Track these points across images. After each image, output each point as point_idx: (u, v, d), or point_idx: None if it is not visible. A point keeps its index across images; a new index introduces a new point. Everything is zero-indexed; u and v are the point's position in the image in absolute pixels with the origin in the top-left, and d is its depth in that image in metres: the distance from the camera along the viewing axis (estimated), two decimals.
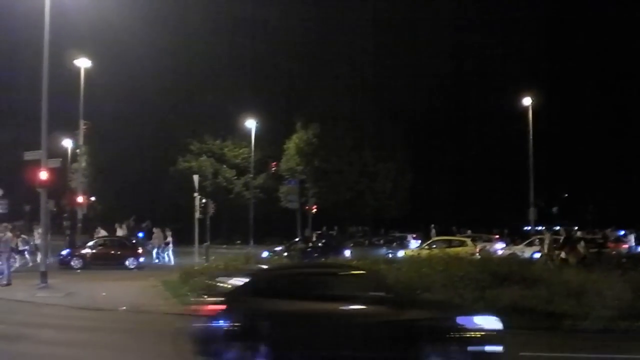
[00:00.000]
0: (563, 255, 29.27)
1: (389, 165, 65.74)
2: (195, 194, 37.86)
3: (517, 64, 74.30)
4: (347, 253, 38.33)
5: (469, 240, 40.58)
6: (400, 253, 37.33)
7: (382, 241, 47.32)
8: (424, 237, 49.21)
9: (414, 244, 45.21)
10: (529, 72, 69.45)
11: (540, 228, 52.68)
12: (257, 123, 63.28)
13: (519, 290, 19.10)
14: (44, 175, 26.61)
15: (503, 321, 12.74)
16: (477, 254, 33.85)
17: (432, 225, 54.78)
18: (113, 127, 60.71)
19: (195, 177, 39.29)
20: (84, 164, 41.46)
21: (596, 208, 68.57)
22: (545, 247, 32.14)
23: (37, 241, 42.39)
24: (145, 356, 14.70)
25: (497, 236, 50.02)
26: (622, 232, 50.02)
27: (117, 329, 18.10)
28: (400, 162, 66.79)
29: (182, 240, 43.11)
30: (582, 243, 31.62)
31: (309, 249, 39.64)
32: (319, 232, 52.05)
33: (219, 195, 61.94)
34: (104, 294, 25.05)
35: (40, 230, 42.77)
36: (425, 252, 30.92)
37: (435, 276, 20.76)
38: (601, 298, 17.88)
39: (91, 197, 44.57)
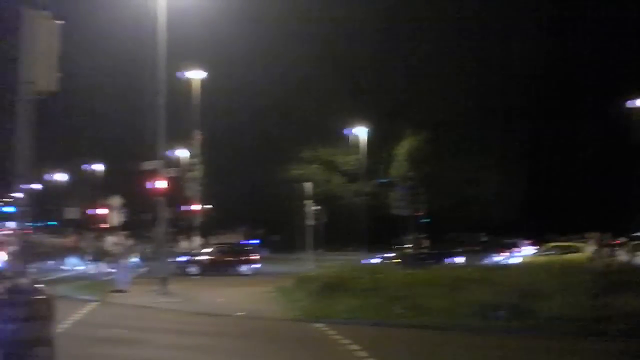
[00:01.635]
0: None
1: (498, 170, 64.50)
2: (308, 201, 38.12)
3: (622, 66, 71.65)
4: (458, 260, 37.86)
5: (586, 246, 39.39)
6: (514, 260, 36.65)
7: (493, 247, 46.48)
8: (537, 243, 48.06)
9: (527, 250, 44.26)
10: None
11: None
12: (367, 129, 63.28)
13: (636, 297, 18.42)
14: (161, 184, 27.31)
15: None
16: (594, 260, 32.85)
17: (546, 231, 53.42)
18: (225, 136, 61.84)
19: (307, 185, 39.57)
20: (198, 173, 42.33)
21: None
22: None
23: (150, 249, 43.85)
24: None
25: (617, 242, 48.28)
26: None
27: (234, 334, 18.34)
28: (510, 166, 65.44)
29: (293, 247, 43.48)
30: None
31: (421, 255, 39.34)
32: (421, 237, 51.61)
33: (330, 202, 62.11)
34: (221, 299, 25.49)
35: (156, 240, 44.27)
36: (541, 259, 30.30)
37: (552, 282, 20.34)
38: None
39: (206, 205, 45.48)
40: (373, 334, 17.76)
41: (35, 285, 8.64)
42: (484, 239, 61.24)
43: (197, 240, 44.98)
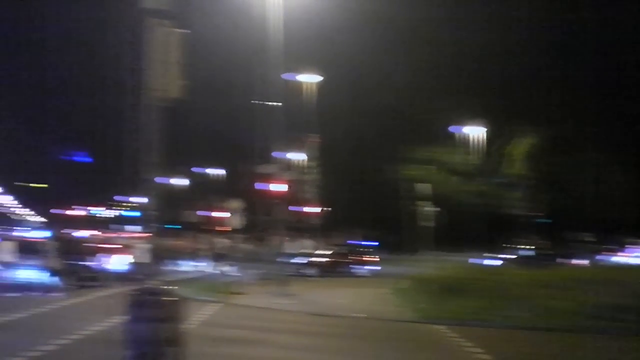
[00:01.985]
0: None
1: (618, 167, 62.47)
2: (423, 202, 37.90)
3: None
4: (578, 260, 36.88)
5: None
6: (635, 259, 35.45)
7: (610, 247, 45.05)
8: None
9: None
10: None
11: None
12: (482, 128, 62.39)
13: None
14: (279, 187, 27.70)
15: None
16: None
17: None
18: (342, 138, 62.20)
19: (421, 186, 39.33)
20: (315, 176, 42.75)
21: None
22: None
23: (268, 251, 44.53)
24: None
25: None
26: None
27: (353, 335, 18.40)
28: (631, 164, 63.27)
29: (410, 248, 43.30)
30: None
31: (540, 256, 38.52)
32: (539, 237, 50.39)
33: (445, 202, 61.55)
34: (339, 301, 25.63)
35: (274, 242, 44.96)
36: None
37: None
38: None
39: (323, 207, 45.89)
40: (495, 336, 17.51)
41: (166, 287, 8.92)
42: (597, 239, 59.56)
43: (309, 242, 45.42)
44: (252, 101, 30.15)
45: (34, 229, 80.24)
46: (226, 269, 39.42)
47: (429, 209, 38.47)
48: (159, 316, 8.28)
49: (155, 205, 9.12)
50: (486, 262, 36.13)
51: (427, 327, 19.24)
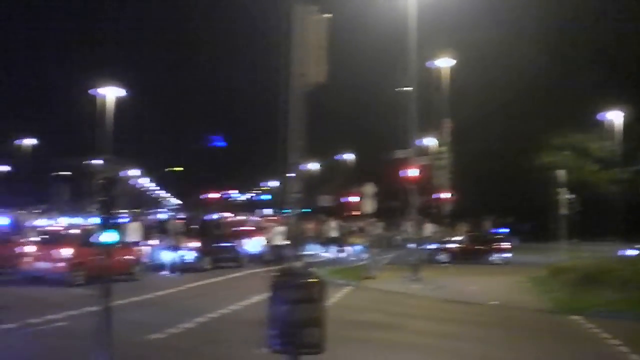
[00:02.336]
0: None
1: None
2: (561, 190, 36.92)
3: None
4: None
5: None
6: None
7: None
8: None
9: None
10: None
11: None
12: (623, 114, 60.19)
13: None
14: (413, 172, 27.62)
15: None
16: None
17: None
18: (474, 124, 61.40)
19: (560, 172, 38.31)
20: (447, 162, 42.34)
21: None
22: None
23: (400, 235, 44.54)
24: (518, 352, 14.50)
25: None
26: None
27: (488, 323, 18.22)
28: None
29: (542, 237, 42.37)
30: None
31: None
32: None
33: (583, 190, 59.80)
34: (472, 287, 25.39)
35: (405, 228, 44.87)
36: None
37: None
38: None
39: (454, 193, 45.40)
40: (633, 328, 16.93)
41: (308, 269, 9.07)
42: None
43: (441, 228, 45.11)
44: (396, 89, 29.97)
45: (170, 211, 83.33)
46: (347, 252, 39.87)
47: (565, 196, 37.38)
48: (302, 297, 8.43)
49: (298, 189, 9.27)
50: (623, 252, 34.79)
51: (563, 317, 18.85)
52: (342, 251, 41.48)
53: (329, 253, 42.58)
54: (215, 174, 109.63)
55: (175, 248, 29.80)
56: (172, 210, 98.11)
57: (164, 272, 28.39)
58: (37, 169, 73.71)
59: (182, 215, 49.24)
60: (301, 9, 9.23)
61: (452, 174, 44.96)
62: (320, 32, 9.40)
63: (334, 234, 45.91)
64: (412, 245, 29.65)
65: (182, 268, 29.31)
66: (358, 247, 39.48)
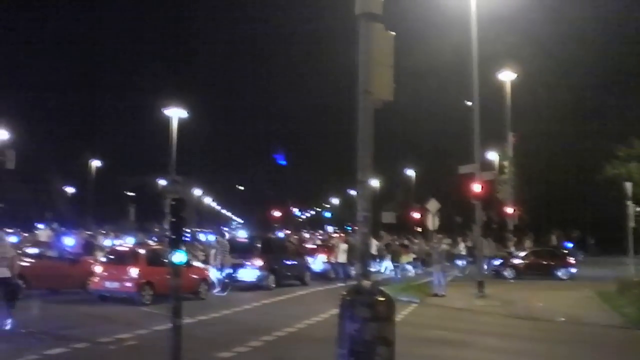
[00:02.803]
0: None
1: None
2: (628, 202, 36.15)
3: None
4: None
5: None
6: None
7: None
8: None
9: None
10: None
11: None
12: None
13: None
14: (478, 187, 27.35)
15: None
16: None
17: None
18: (537, 136, 60.68)
19: (628, 185, 37.52)
20: (511, 175, 41.92)
21: None
22: None
23: (462, 252, 43.99)
24: None
25: None
26: None
27: (558, 340, 17.89)
28: None
29: (611, 251, 41.57)
30: None
31: None
32: None
33: None
34: (540, 304, 25.00)
35: (466, 243, 44.44)
36: None
37: None
38: None
39: (519, 207, 44.87)
40: None
41: (377, 287, 9.04)
42: None
43: (506, 243, 44.49)
44: (465, 102, 29.70)
45: (235, 229, 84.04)
46: (406, 269, 39.35)
47: (635, 209, 36.57)
48: (371, 316, 8.40)
49: (366, 207, 9.27)
50: None
51: (636, 332, 18.46)
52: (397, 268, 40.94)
53: (388, 269, 41.95)
54: (277, 191, 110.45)
55: (222, 267, 29.77)
56: (237, 227, 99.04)
57: (215, 291, 28.34)
58: (102, 189, 75.15)
59: (244, 233, 49.55)
60: (367, 24, 9.25)
61: (516, 188, 44.52)
62: (386, 49, 9.42)
63: (373, 251, 45.32)
64: (477, 261, 29.36)
65: (242, 287, 29.39)
66: (408, 265, 39.18)
